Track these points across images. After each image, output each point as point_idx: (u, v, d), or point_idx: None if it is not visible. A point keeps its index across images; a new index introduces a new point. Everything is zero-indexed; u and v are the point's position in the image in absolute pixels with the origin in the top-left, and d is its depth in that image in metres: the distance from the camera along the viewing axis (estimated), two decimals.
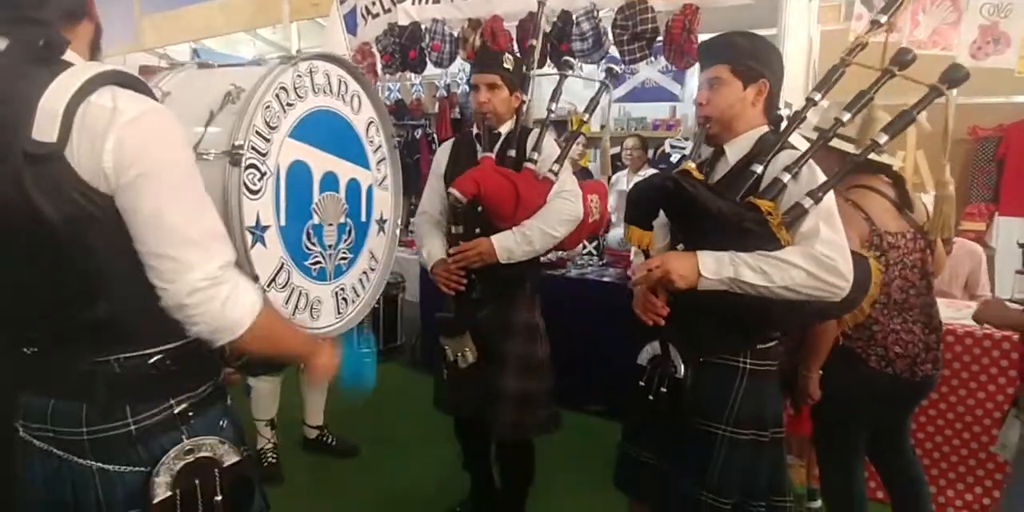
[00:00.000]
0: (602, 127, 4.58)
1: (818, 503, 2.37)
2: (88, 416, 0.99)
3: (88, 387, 0.98)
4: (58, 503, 1.01)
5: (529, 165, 1.99)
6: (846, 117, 1.45)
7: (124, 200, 0.91)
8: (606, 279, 3.27)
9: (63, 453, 1.00)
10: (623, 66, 3.33)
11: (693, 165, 1.48)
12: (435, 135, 5.93)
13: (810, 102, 1.48)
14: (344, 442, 2.89)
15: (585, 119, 2.19)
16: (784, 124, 1.49)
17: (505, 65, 2.02)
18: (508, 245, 1.94)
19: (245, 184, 1.43)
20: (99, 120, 0.88)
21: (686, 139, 5.16)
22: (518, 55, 2.40)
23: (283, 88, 1.56)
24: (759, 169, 1.42)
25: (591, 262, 3.57)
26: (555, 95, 2.15)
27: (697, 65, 2.84)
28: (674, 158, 5.19)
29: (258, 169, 1.48)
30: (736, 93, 1.48)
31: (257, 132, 1.47)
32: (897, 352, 1.79)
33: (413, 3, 3.56)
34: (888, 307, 1.80)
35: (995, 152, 4.13)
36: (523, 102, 2.09)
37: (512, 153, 2.02)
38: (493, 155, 2.03)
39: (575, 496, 2.54)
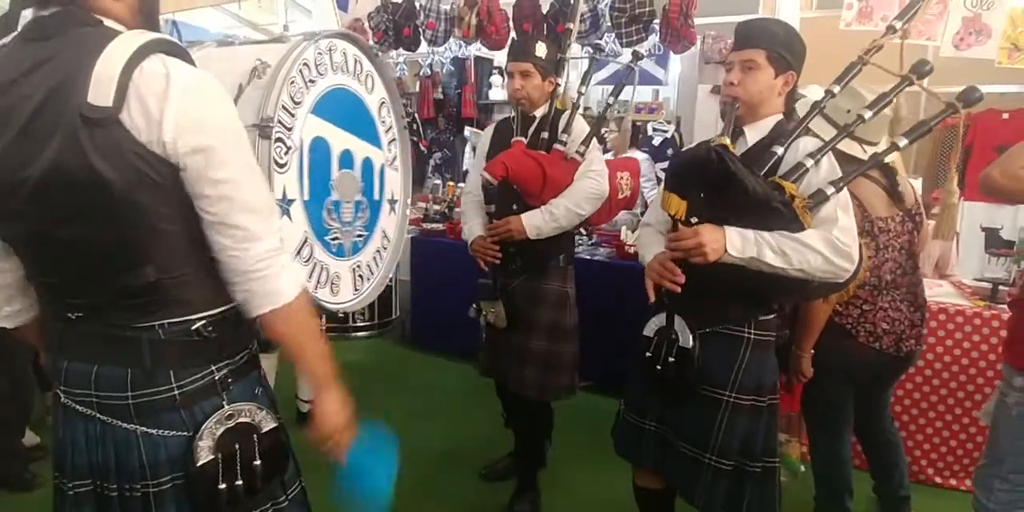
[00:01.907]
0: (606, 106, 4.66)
1: (801, 468, 2.50)
2: (133, 381, 1.00)
3: (133, 352, 0.99)
4: (101, 467, 1.03)
5: (558, 146, 2.11)
6: (868, 115, 1.51)
7: (196, 168, 0.93)
8: (596, 258, 3.34)
9: (107, 417, 1.01)
10: (610, 46, 3.35)
11: (728, 140, 1.50)
12: (416, 115, 5.88)
13: (828, 94, 1.55)
14: None
15: (611, 102, 2.24)
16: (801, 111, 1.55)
17: (538, 53, 2.12)
18: (536, 223, 2.08)
19: (274, 157, 1.45)
20: (154, 86, 0.89)
21: (668, 122, 5.24)
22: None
23: (306, 64, 1.57)
24: (780, 150, 1.48)
25: (581, 241, 3.63)
26: (586, 79, 2.26)
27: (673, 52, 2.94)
28: (656, 141, 5.27)
29: (284, 143, 1.50)
30: (768, 80, 1.53)
31: (283, 106, 1.48)
32: (884, 328, 1.90)
33: None
34: (878, 288, 1.89)
35: (961, 140, 4.30)
36: (556, 86, 2.19)
37: (545, 135, 2.13)
38: (524, 139, 2.16)
39: (573, 469, 2.63)
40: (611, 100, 2.25)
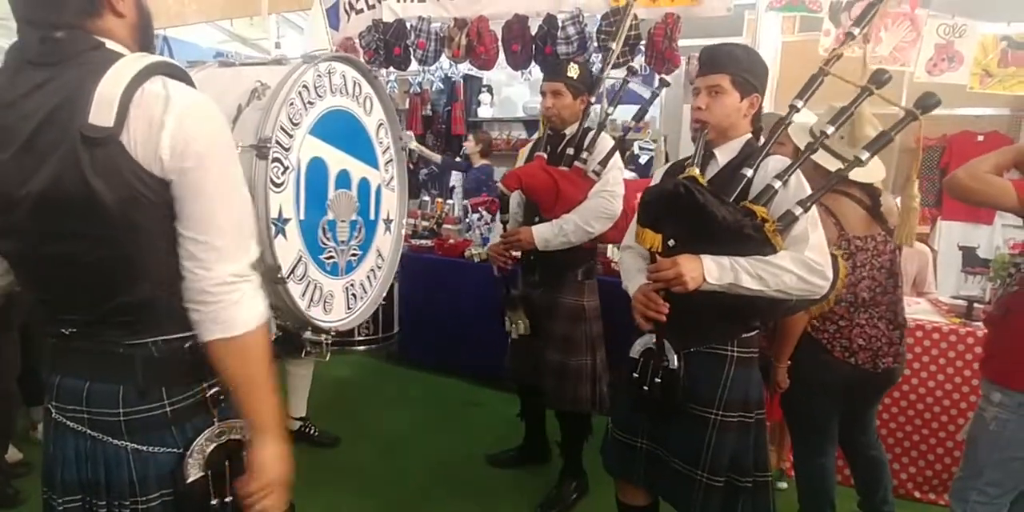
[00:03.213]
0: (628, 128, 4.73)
1: (784, 484, 2.54)
2: (125, 397, 1.00)
3: (126, 369, 0.99)
4: (90, 483, 1.03)
5: (578, 164, 2.19)
6: (830, 130, 1.57)
7: (181, 185, 0.94)
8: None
9: (98, 434, 1.01)
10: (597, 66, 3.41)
11: (698, 171, 1.56)
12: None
13: (793, 109, 1.60)
14: (325, 433, 2.93)
15: (632, 125, 2.33)
16: (767, 130, 1.60)
17: (569, 74, 2.23)
18: (545, 235, 2.18)
19: (270, 177, 1.48)
20: (154, 107, 0.91)
21: (654, 141, 5.33)
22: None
23: (305, 86, 1.61)
24: (749, 173, 1.53)
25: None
26: (615, 100, 2.34)
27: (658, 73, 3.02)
28: (643, 159, 5.35)
29: (281, 163, 1.53)
30: (734, 103, 1.58)
31: (281, 127, 1.52)
32: (860, 344, 1.94)
33: (398, 0, 3.59)
34: (855, 305, 1.94)
35: (939, 161, 4.44)
36: (588, 104, 2.28)
37: (571, 152, 2.21)
38: (545, 154, 2.28)
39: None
40: (632, 124, 2.32)
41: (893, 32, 2.77)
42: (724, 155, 1.63)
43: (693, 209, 1.42)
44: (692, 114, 1.64)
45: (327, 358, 2.49)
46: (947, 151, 4.41)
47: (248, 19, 4.42)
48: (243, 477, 1.04)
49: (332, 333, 1.69)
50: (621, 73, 3.03)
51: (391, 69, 3.80)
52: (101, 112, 0.88)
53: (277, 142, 1.49)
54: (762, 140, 1.63)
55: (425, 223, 4.37)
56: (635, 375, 1.64)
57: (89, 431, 1.02)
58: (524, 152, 2.52)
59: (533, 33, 3.25)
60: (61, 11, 0.94)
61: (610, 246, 3.61)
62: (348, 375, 3.84)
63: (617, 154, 2.21)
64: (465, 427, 3.15)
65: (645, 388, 1.61)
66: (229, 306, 0.96)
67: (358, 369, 3.93)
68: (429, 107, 6.08)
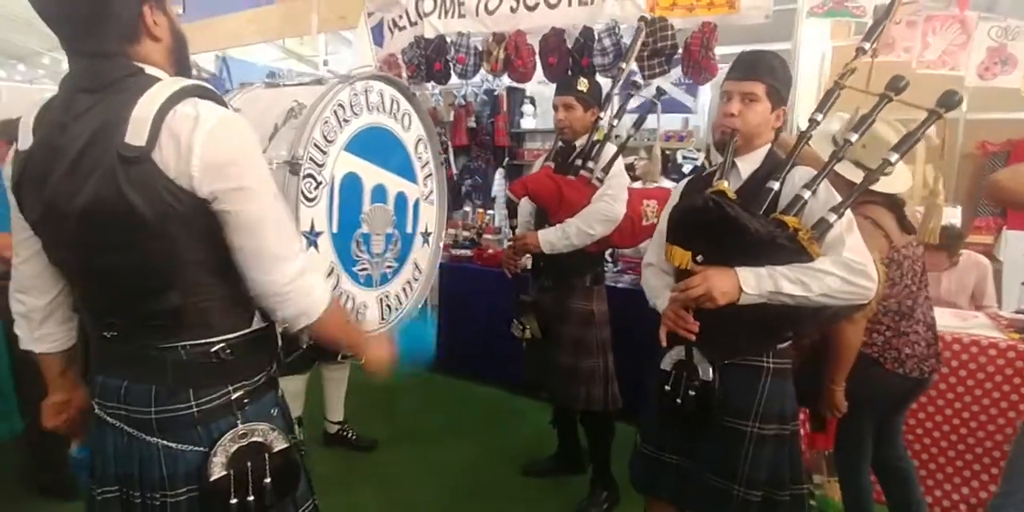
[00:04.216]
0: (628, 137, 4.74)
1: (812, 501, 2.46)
2: (156, 397, 1.07)
3: (158, 370, 1.07)
4: (127, 476, 1.10)
5: (584, 172, 2.29)
6: (854, 138, 1.53)
7: (224, 203, 1.01)
8: (620, 285, 3.36)
9: (133, 430, 1.09)
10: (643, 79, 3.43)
11: (727, 184, 1.53)
12: (449, 143, 6.04)
13: (813, 123, 1.58)
14: (363, 437, 3.01)
15: (632, 133, 2.49)
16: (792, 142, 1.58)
17: (579, 88, 2.32)
18: (550, 238, 2.28)
19: (302, 192, 1.55)
20: (184, 126, 0.98)
21: (698, 150, 5.26)
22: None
23: (340, 105, 1.68)
24: (776, 186, 1.50)
25: (606, 268, 3.66)
26: (619, 113, 2.46)
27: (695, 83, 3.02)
28: (686, 169, 5.29)
29: (315, 178, 1.59)
30: (765, 113, 1.56)
31: (315, 145, 1.59)
32: (907, 353, 1.90)
33: (439, 17, 3.69)
34: (900, 313, 1.90)
35: (1003, 167, 4.22)
36: (599, 118, 2.36)
37: (580, 162, 2.32)
38: (552, 164, 2.42)
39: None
40: (632, 131, 2.41)
41: (942, 35, 2.68)
42: (746, 166, 1.60)
43: (724, 223, 1.41)
44: (720, 120, 1.60)
45: (362, 361, 2.58)
46: (1011, 156, 4.20)
47: (299, 40, 4.62)
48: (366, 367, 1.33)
49: (304, 344, 1.72)
50: (660, 82, 3.05)
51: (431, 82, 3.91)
52: (136, 132, 0.96)
53: (310, 159, 1.56)
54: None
55: (466, 233, 4.44)
56: (667, 388, 1.61)
57: (126, 427, 1.09)
58: (539, 163, 2.61)
59: (570, 46, 3.28)
60: (103, 39, 1.02)
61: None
62: (389, 381, 3.91)
63: (620, 162, 2.29)
64: (500, 435, 3.17)
65: (678, 401, 1.58)
66: (301, 298, 1.09)
67: (399, 376, 4.00)
68: (473, 119, 6.19)
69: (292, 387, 2.77)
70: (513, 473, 2.77)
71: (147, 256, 1.02)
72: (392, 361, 1.35)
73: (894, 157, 1.49)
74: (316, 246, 1.61)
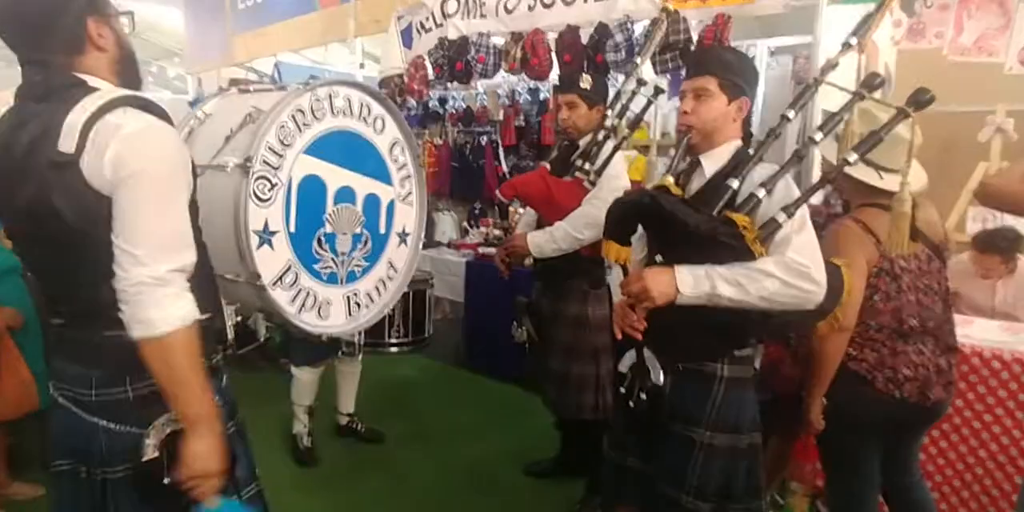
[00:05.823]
0: (663, 135, 4.61)
1: None
2: (96, 381, 1.16)
3: (98, 357, 1.16)
4: (75, 451, 1.20)
5: (579, 174, 2.22)
6: (818, 137, 1.47)
7: (115, 197, 1.06)
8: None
9: (79, 410, 1.18)
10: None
11: (671, 179, 1.51)
12: (499, 141, 6.08)
13: (784, 119, 1.50)
14: (371, 430, 3.11)
15: (626, 134, 2.32)
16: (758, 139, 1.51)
17: (582, 85, 2.25)
18: (538, 241, 2.25)
19: (255, 193, 1.63)
20: (106, 134, 1.04)
21: None
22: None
23: (300, 110, 1.74)
24: (735, 184, 1.45)
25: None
26: (623, 112, 2.31)
27: None
28: None
29: (268, 180, 1.67)
30: (721, 106, 1.51)
31: (270, 148, 1.66)
32: (906, 375, 1.70)
33: (462, 18, 3.74)
34: (899, 332, 1.71)
35: None
36: (604, 116, 2.27)
37: (579, 162, 2.24)
38: (548, 165, 2.34)
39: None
40: (627, 133, 2.29)
41: (978, 19, 2.43)
42: (711, 164, 1.55)
43: (663, 219, 1.38)
44: (679, 118, 1.60)
45: (359, 356, 2.66)
46: None
47: (323, 48, 4.86)
48: (177, 466, 1.14)
49: (324, 337, 1.80)
50: (671, 77, 2.95)
51: (481, 81, 3.98)
52: (66, 140, 1.04)
53: (264, 161, 1.64)
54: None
55: (497, 232, 4.47)
56: (622, 390, 1.61)
57: (72, 407, 1.19)
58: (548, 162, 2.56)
59: (584, 43, 3.24)
60: (50, 50, 1.11)
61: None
62: (413, 376, 4.02)
63: (618, 162, 2.19)
64: (511, 433, 3.19)
65: (631, 404, 1.57)
66: (148, 307, 1.06)
67: (422, 371, 4.11)
68: (522, 118, 6.20)
69: (306, 378, 2.92)
70: (513, 473, 2.79)
71: (76, 253, 1.11)
72: (213, 475, 1.13)
73: (853, 157, 1.41)
74: (270, 245, 1.69)
